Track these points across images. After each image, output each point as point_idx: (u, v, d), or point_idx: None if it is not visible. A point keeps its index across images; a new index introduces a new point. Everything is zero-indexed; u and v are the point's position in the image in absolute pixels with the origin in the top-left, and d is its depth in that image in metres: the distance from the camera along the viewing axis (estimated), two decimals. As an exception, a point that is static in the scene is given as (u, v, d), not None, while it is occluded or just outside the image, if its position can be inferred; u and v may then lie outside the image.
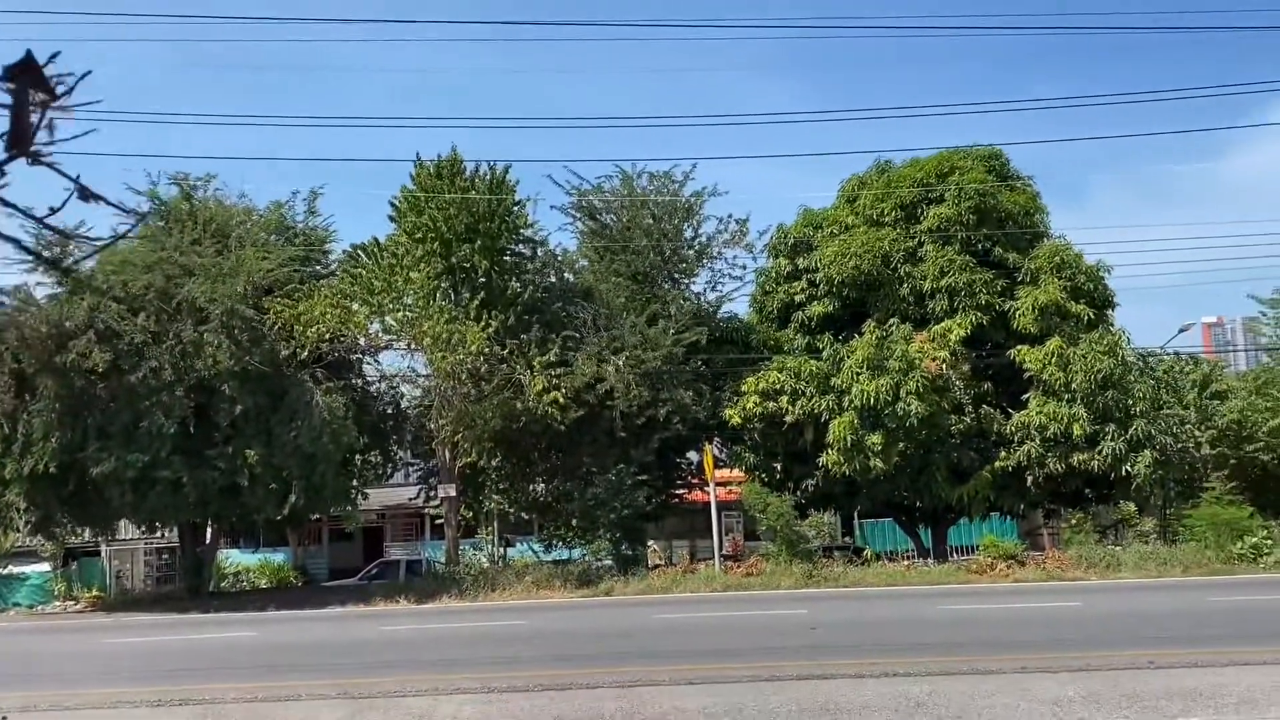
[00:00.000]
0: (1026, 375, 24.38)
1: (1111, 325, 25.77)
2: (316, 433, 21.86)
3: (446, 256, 24.39)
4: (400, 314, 24.59)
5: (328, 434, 21.96)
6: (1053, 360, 23.73)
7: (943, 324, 25.00)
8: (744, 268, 28.51)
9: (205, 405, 22.64)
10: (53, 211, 2.03)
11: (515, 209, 25.39)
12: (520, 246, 26.81)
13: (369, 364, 27.11)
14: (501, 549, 32.34)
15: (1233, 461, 25.87)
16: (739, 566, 23.63)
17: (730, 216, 27.87)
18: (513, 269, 26.03)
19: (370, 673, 11.88)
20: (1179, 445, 24.40)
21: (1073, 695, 9.03)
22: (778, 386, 24.65)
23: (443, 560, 26.13)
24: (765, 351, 26.54)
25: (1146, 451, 22.89)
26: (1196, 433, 25.59)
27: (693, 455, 28.36)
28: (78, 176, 1.93)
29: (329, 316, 22.85)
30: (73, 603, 26.39)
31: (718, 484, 24.99)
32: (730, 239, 27.69)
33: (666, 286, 27.42)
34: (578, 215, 28.55)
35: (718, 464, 25.49)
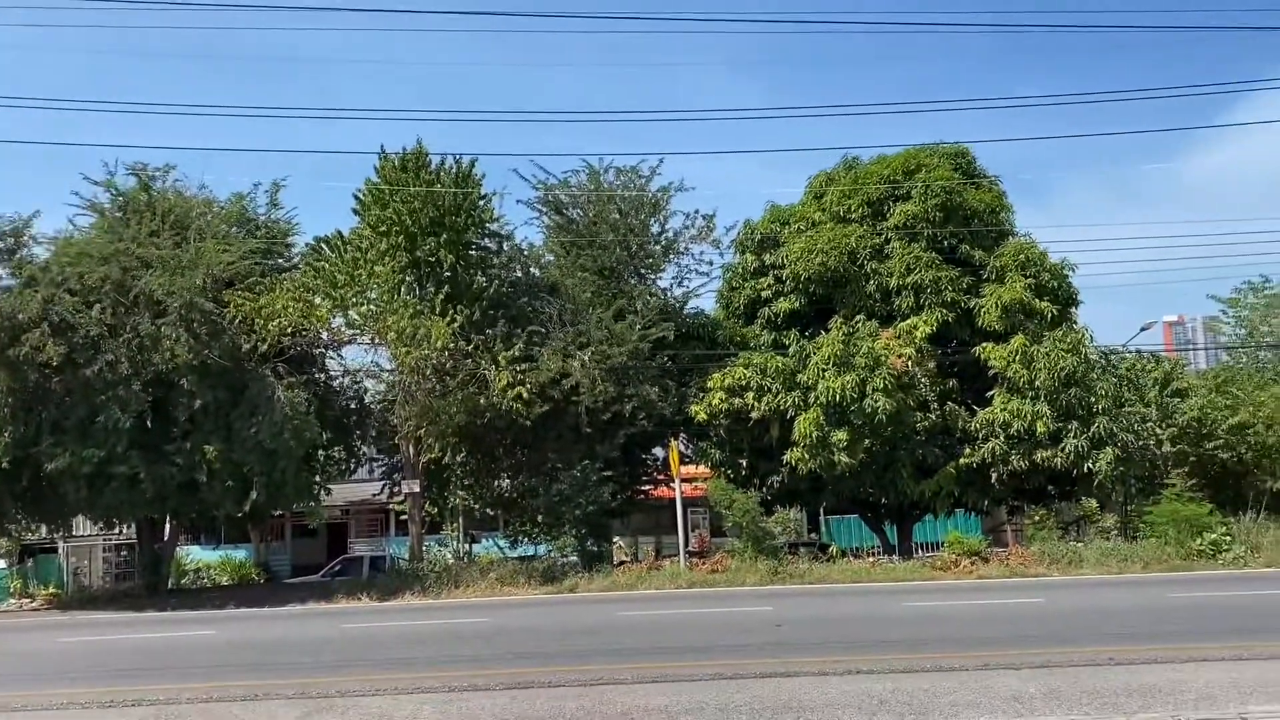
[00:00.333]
0: (991, 372, 24.53)
1: (1075, 323, 26.01)
2: (278, 428, 21.55)
3: (411, 250, 24.13)
4: (364, 308, 24.30)
5: (289, 429, 21.66)
6: (1017, 358, 23.89)
7: (909, 321, 25.10)
8: (711, 263, 28.51)
9: (163, 400, 22.26)
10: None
11: (481, 203, 25.17)
12: (486, 241, 26.59)
13: (332, 359, 26.82)
14: (467, 545, 32.16)
15: (1192, 459, 26.17)
16: (704, 563, 23.61)
17: (697, 212, 27.92)
18: (478, 263, 25.81)
19: (330, 671, 11.71)
20: (1140, 442, 24.62)
21: (1034, 692, 9.05)
22: (744, 383, 24.63)
23: (407, 557, 25.90)
24: (731, 348, 26.53)
25: (1108, 449, 23.11)
26: (1157, 430, 25.83)
27: (658, 451, 28.30)
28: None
29: (291, 310, 22.53)
30: (28, 600, 25.89)
31: (683, 480, 24.94)
32: (697, 234, 27.68)
33: (633, 282, 27.32)
34: (544, 210, 28.41)
35: (683, 460, 25.44)
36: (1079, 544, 23.51)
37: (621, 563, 26.06)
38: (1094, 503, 29.32)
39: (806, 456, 23.52)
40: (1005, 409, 23.85)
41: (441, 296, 23.57)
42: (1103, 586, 18.62)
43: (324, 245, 25.65)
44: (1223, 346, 34.77)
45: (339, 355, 26.70)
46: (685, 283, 28.46)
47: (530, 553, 27.62)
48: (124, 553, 28.96)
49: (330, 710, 9.48)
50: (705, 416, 25.05)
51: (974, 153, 27.77)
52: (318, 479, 26.19)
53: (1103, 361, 26.71)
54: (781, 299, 26.87)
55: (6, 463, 21.00)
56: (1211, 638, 11.69)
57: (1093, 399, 23.72)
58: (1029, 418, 23.47)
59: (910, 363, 24.18)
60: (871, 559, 24.91)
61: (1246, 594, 16.34)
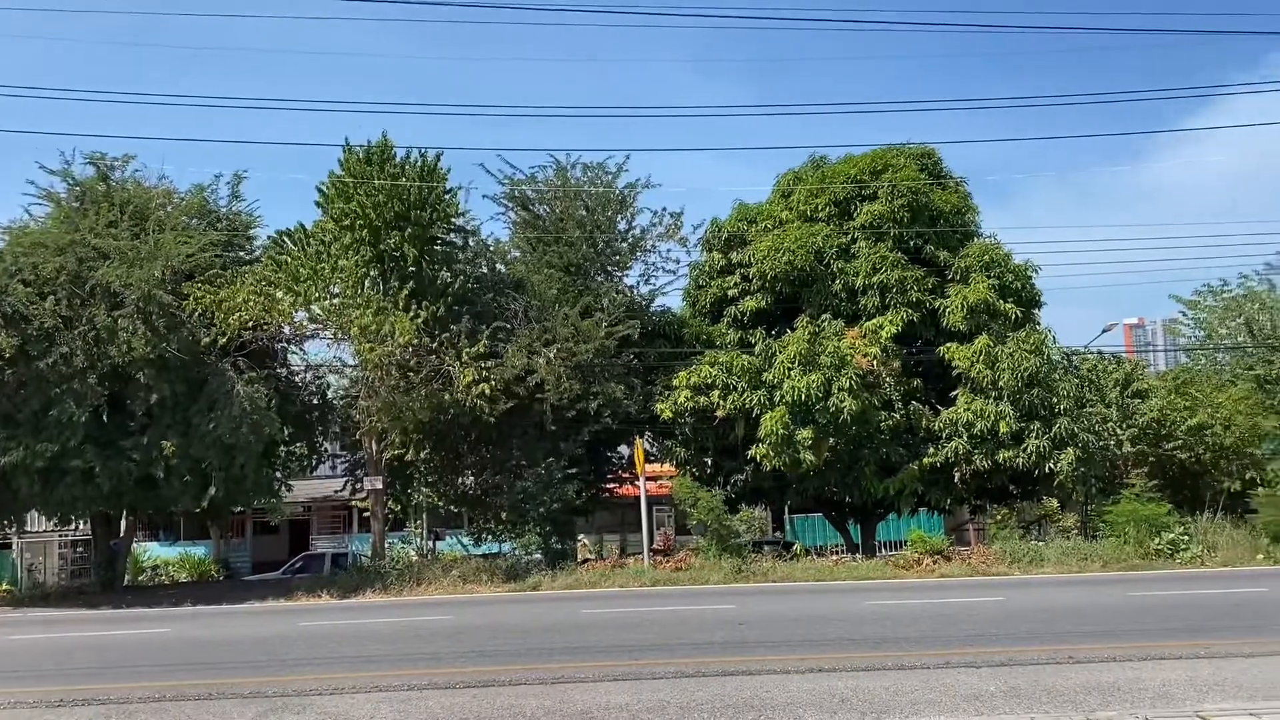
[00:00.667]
0: (955, 372, 24.70)
1: (1038, 324, 26.22)
2: (236, 423, 21.25)
3: (375, 244, 23.88)
4: (327, 302, 24.02)
5: (248, 424, 21.36)
6: (981, 358, 24.06)
7: (874, 320, 25.21)
8: (677, 261, 28.40)
9: (120, 393, 21.90)
10: None
11: (447, 197, 24.93)
12: (451, 236, 26.36)
13: (294, 353, 26.51)
14: (430, 543, 31.95)
15: (1152, 459, 26.51)
16: (669, 561, 23.58)
17: (664, 210, 27.81)
18: (443, 259, 25.59)
19: (287, 670, 11.52)
20: (1101, 443, 24.92)
21: (994, 690, 9.06)
22: (709, 381, 24.63)
23: (369, 554, 25.67)
24: (697, 346, 26.52)
25: (1070, 449, 23.33)
26: (1118, 430, 26.17)
27: (624, 449, 28.21)
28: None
29: (252, 304, 22.22)
30: (-19, 597, 25.41)
31: (648, 478, 24.88)
32: (664, 232, 27.56)
33: (599, 279, 27.19)
34: (510, 205, 28.19)
35: (649, 458, 25.40)
36: (1040, 543, 23.76)
37: (585, 561, 25.97)
38: (1055, 502, 29.65)
39: (772, 454, 23.56)
40: (969, 409, 24.01)
41: (406, 292, 23.33)
42: (1063, 585, 18.76)
43: (286, 238, 25.34)
44: (1182, 348, 35.25)
45: (301, 350, 26.44)
46: (652, 280, 28.39)
47: (494, 550, 27.45)
48: (80, 549, 28.54)
49: (286, 709, 9.32)
50: (671, 414, 25.02)
51: (940, 154, 27.99)
52: (279, 475, 25.90)
53: (1065, 362, 27.02)
54: (748, 297, 26.89)
55: (-43, 457, 20.58)
56: (1169, 636, 11.79)
57: (1055, 399, 23.94)
58: (992, 418, 23.65)
59: (875, 362, 24.29)
60: (835, 557, 24.99)
61: (1203, 593, 16.53)
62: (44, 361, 20.66)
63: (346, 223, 23.93)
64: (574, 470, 24.57)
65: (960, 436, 24.09)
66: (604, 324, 24.81)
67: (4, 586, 26.01)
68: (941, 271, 26.13)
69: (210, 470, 21.71)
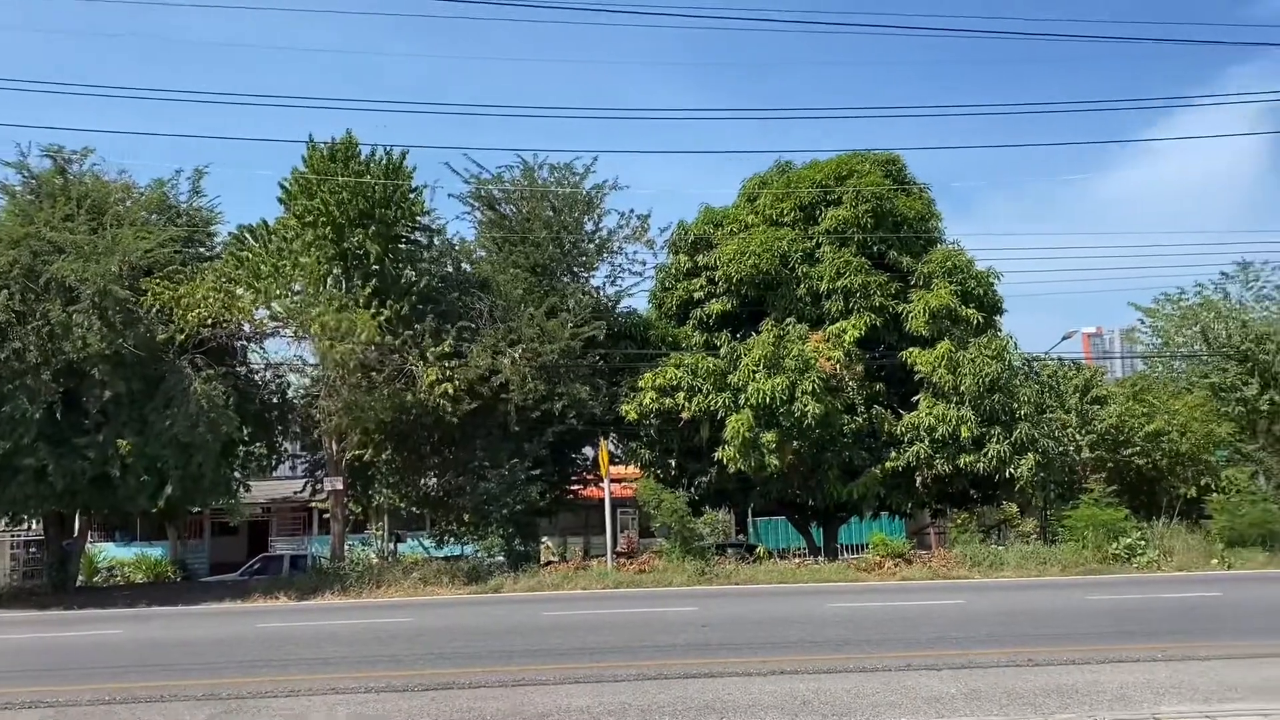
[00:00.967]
0: (917, 377, 24.86)
1: (999, 330, 26.49)
2: (194, 420, 20.88)
3: (338, 242, 23.60)
4: (288, 300, 23.71)
5: (206, 422, 21.00)
6: (943, 363, 24.24)
7: (838, 324, 25.34)
8: (644, 263, 28.40)
9: (74, 390, 21.44)
10: None
11: (412, 195, 24.70)
12: (416, 234, 26.11)
13: (255, 352, 26.12)
14: (391, 544, 31.65)
15: (1110, 465, 26.79)
16: (632, 563, 23.53)
17: (632, 211, 27.79)
18: (407, 257, 25.37)
19: (242, 671, 11.33)
20: (1060, 448, 25.18)
21: (954, 692, 9.10)
22: (675, 383, 24.62)
23: (328, 556, 25.37)
24: (663, 348, 26.52)
25: (1030, 454, 23.57)
26: (1077, 436, 26.45)
27: (588, 450, 28.10)
28: None
29: (211, 300, 21.86)
30: (-70, 598, 24.75)
31: (613, 480, 24.81)
32: (631, 234, 27.54)
33: (565, 280, 27.09)
34: (476, 205, 28.01)
35: (613, 460, 25.35)
36: (1000, 547, 23.92)
37: (548, 563, 25.83)
38: (1014, 507, 29.93)
39: (738, 457, 23.59)
40: (931, 413, 24.18)
41: (369, 290, 23.10)
42: (1022, 589, 18.91)
43: (247, 234, 25.00)
44: (1139, 355, 35.76)
45: (261, 348, 26.05)
46: (618, 282, 28.36)
47: (456, 553, 27.24)
48: (33, 550, 27.92)
49: (241, 711, 9.16)
50: (636, 416, 24.98)
51: (905, 160, 28.24)
52: (237, 475, 25.50)
53: (1026, 368, 27.31)
54: (714, 300, 26.93)
55: (-96, 453, 20.05)
56: (1127, 639, 11.92)
57: (1015, 405, 24.17)
58: (953, 422, 23.82)
59: (839, 366, 24.41)
60: (798, 560, 25.06)
61: (1160, 597, 16.73)
62: (-5, 357, 20.20)
63: (309, 219, 23.65)
64: (538, 472, 24.44)
65: (922, 441, 24.25)
66: (570, 325, 24.72)
67: (-48, 587, 25.38)
68: (905, 277, 26.31)
69: (167, 469, 21.31)
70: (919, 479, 24.67)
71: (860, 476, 24.74)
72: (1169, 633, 12.47)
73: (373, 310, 22.63)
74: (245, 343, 25.16)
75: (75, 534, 26.06)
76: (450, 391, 22.70)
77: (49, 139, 28.90)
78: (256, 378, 26.04)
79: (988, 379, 23.93)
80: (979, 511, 28.83)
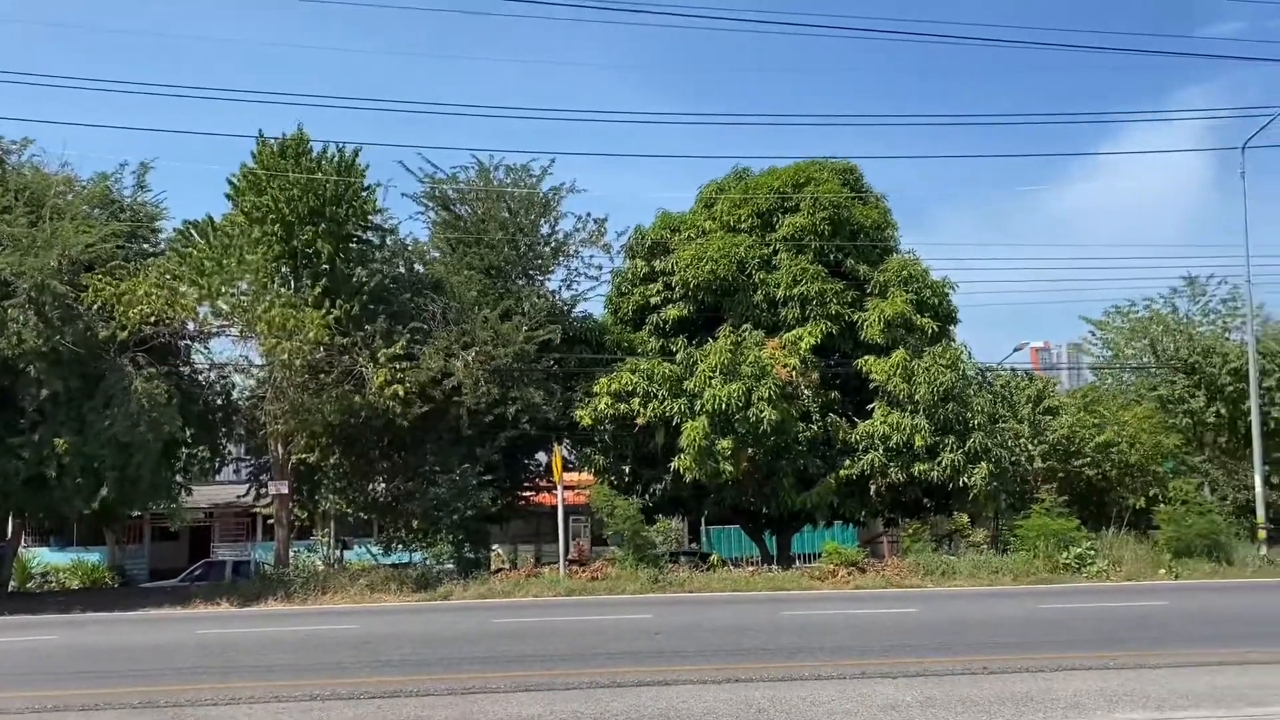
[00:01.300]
0: (872, 385, 24.92)
1: (954, 340, 26.66)
2: (134, 420, 20.29)
3: (287, 240, 23.13)
4: (233, 298, 23.15)
5: (146, 422, 20.41)
6: (897, 371, 24.32)
7: (794, 332, 25.33)
8: (600, 268, 28.19)
9: (9, 388, 20.77)
10: None
11: (364, 194, 24.30)
12: (368, 233, 25.70)
13: (199, 351, 25.50)
14: (338, 551, 31.09)
15: (1061, 475, 27.06)
16: (584, 571, 23.25)
17: (589, 215, 27.58)
18: (359, 256, 24.94)
19: (181, 679, 10.93)
20: (1013, 458, 25.37)
21: (910, 700, 9.02)
22: (630, 388, 24.43)
23: (272, 561, 24.81)
24: (619, 352, 26.33)
25: (983, 463, 23.70)
26: (1029, 446, 26.68)
27: (541, 456, 27.80)
28: None
29: (154, 297, 21.28)
30: None
31: (566, 486, 24.52)
32: (588, 238, 27.34)
33: (521, 283, 26.81)
34: (430, 204, 27.64)
35: (567, 466, 25.06)
36: (952, 556, 24.01)
37: (499, 570, 25.47)
38: (965, 517, 30.14)
39: (693, 465, 23.45)
40: (885, 422, 24.23)
41: (318, 289, 22.65)
42: (975, 597, 18.96)
43: (192, 230, 24.43)
44: (1088, 367, 36.30)
45: (206, 348, 25.44)
46: (574, 286, 28.11)
47: (405, 560, 26.76)
48: (-33, 554, 27.07)
49: (177, 720, 8.81)
50: (590, 421, 24.74)
51: (862, 170, 28.42)
52: (179, 478, 24.89)
53: (979, 378, 27.50)
54: (670, 306, 26.81)
55: None
56: (1080, 648, 11.92)
57: (969, 414, 24.30)
58: (908, 431, 23.89)
59: (795, 373, 24.40)
60: (751, 568, 24.93)
61: (1110, 606, 16.84)
62: (-75, 353, 19.51)
63: (258, 216, 23.16)
64: (490, 477, 24.10)
65: (876, 449, 24.29)
66: (524, 328, 24.44)
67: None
68: (861, 285, 26.39)
69: (104, 470, 20.70)
70: (873, 487, 24.71)
71: (815, 485, 24.71)
72: (1120, 641, 12.51)
73: (322, 310, 22.19)
74: (189, 342, 24.57)
75: (8, 537, 25.27)
76: (401, 394, 22.31)
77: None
78: (201, 378, 25.44)
79: (942, 388, 24.03)
80: (931, 521, 28.98)
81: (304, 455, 24.14)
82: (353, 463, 26.04)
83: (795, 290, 25.60)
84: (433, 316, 24.55)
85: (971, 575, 22.03)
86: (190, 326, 23.45)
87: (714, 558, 26.14)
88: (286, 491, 24.29)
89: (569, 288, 28.01)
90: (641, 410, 24.25)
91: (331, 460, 25.42)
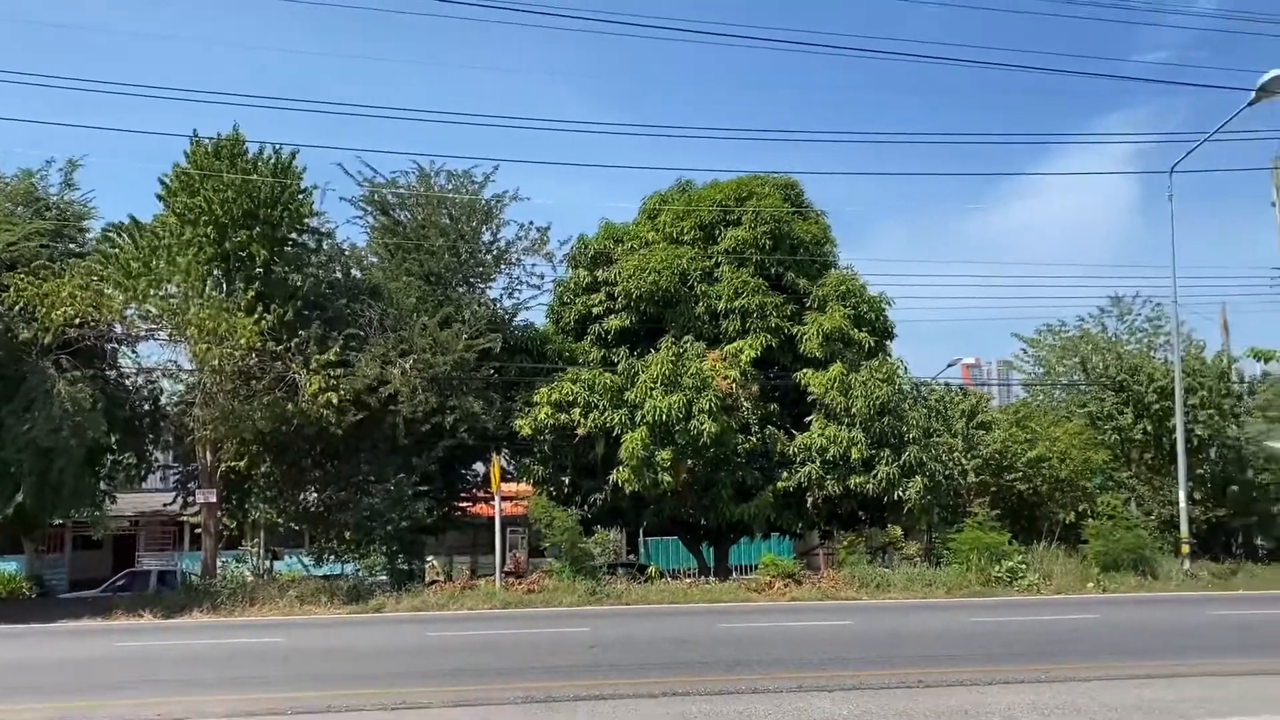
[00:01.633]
0: (810, 398, 25.05)
1: (890, 354, 26.94)
2: (56, 424, 19.57)
3: (220, 242, 22.58)
4: (162, 300, 22.51)
5: (69, 427, 19.71)
6: (835, 385, 24.48)
7: (735, 344, 25.40)
8: (542, 277, 27.84)
9: (-77, 391, 19.97)
10: None
11: (301, 196, 23.80)
12: (304, 237, 25.19)
13: (127, 355, 24.77)
14: (268, 561, 30.39)
15: (993, 489, 27.44)
16: (521, 583, 22.98)
17: (531, 223, 27.21)
18: (294, 260, 24.44)
19: (98, 694, 10.60)
20: (947, 472, 25.65)
21: (845, 714, 9.04)
22: (571, 398, 24.27)
23: (199, 572, 24.14)
24: (560, 362, 26.14)
25: (918, 477, 23.93)
26: (963, 460, 27.01)
27: (479, 467, 27.44)
28: None
29: (78, 298, 20.63)
30: None
31: (504, 497, 24.26)
32: (530, 246, 27.02)
33: (461, 290, 26.42)
34: (369, 209, 27.11)
35: (505, 476, 24.78)
36: (887, 569, 24.18)
37: (434, 582, 25.06)
38: (899, 530, 30.43)
39: (632, 476, 23.34)
40: (823, 434, 24.37)
41: (251, 293, 22.12)
42: (910, 610, 19.11)
43: (118, 232, 23.74)
44: (1021, 383, 36.93)
45: (134, 352, 24.71)
46: (516, 294, 27.74)
47: (337, 571, 26.22)
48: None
49: (89, 738, 8.48)
50: (530, 431, 24.50)
51: (802, 185, 28.64)
52: (103, 485, 24.10)
53: (915, 393, 27.80)
54: (612, 316, 26.71)
55: None
56: (1012, 661, 12.05)
57: (904, 428, 24.54)
58: (844, 444, 24.05)
59: (735, 385, 24.44)
60: (689, 580, 24.90)
61: (1041, 619, 17.07)
62: None
63: (190, 217, 22.59)
64: (426, 488, 23.72)
65: (814, 461, 24.41)
66: (464, 336, 24.10)
67: None
68: (800, 299, 26.57)
69: (21, 475, 19.96)
70: (810, 500, 24.81)
71: (753, 497, 24.74)
72: (1052, 654, 12.69)
73: (255, 314, 21.69)
74: (116, 345, 23.84)
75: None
76: (335, 401, 21.88)
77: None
78: (128, 383, 24.69)
79: (878, 402, 24.25)
80: (867, 533, 29.20)
81: (234, 463, 23.55)
82: (284, 471, 25.45)
83: (736, 303, 25.69)
84: (370, 323, 24.11)
85: (906, 588, 22.22)
86: (117, 329, 22.77)
87: (652, 569, 26.06)
88: (215, 500, 23.68)
89: (510, 296, 27.71)
90: (582, 421, 24.09)
91: (262, 468, 24.83)
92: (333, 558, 27.38)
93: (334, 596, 20.91)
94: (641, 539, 34.62)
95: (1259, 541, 29.68)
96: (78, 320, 20.73)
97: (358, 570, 23.93)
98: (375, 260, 26.93)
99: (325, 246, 26.10)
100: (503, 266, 27.17)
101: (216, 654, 14.12)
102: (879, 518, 27.23)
